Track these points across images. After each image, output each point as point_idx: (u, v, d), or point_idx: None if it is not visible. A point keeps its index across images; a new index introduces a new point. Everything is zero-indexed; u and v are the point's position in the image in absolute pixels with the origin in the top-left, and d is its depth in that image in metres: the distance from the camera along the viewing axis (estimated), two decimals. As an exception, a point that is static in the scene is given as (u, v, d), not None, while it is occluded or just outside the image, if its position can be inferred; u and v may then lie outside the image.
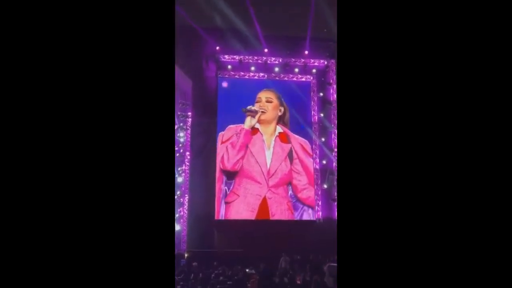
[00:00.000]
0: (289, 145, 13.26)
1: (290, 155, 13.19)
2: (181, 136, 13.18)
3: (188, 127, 13.18)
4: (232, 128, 13.09)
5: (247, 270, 8.26)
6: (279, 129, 13.33)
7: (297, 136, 13.43)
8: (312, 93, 13.94)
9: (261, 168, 12.89)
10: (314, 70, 13.96)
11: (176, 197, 12.74)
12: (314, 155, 13.43)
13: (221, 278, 7.25)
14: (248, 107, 13.00)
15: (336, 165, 12.64)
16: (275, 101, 13.41)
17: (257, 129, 13.13)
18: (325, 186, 13.08)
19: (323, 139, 13.44)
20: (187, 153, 12.98)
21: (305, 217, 12.97)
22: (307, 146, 13.43)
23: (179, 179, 12.84)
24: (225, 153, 12.90)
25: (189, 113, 13.20)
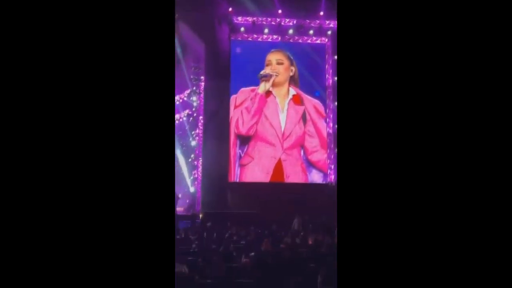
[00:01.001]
0: (303, 107, 13.19)
1: (304, 117, 13.15)
2: (194, 100, 13.23)
3: (201, 91, 13.20)
4: (245, 91, 13.02)
5: (259, 231, 8.48)
6: (292, 91, 13.21)
7: (310, 98, 13.30)
8: (327, 55, 13.65)
9: (275, 131, 12.91)
10: (329, 32, 13.52)
11: (190, 160, 12.99)
12: (327, 119, 13.36)
13: (234, 238, 7.47)
14: (263, 72, 12.87)
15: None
16: (286, 62, 13.22)
17: (271, 92, 13.04)
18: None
19: (336, 103, 13.27)
20: (200, 117, 13.06)
21: (316, 178, 13.09)
22: (321, 107, 13.33)
23: (192, 143, 13.03)
24: (240, 118, 12.90)
25: (202, 77, 13.17)
